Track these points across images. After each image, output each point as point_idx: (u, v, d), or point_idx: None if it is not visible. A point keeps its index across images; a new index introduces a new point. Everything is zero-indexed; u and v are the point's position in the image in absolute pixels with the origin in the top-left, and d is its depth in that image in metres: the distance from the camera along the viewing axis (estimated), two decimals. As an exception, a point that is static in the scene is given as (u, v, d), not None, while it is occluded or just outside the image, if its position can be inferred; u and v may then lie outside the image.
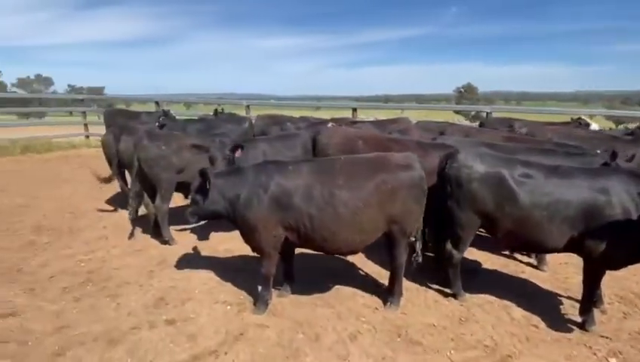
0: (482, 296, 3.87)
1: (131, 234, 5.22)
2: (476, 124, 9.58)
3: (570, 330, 3.38)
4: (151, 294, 3.84)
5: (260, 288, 3.58)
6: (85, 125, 13.29)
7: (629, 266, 3.27)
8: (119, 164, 5.79)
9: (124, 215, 5.86)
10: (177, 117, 9.06)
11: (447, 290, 3.90)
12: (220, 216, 3.54)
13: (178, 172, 4.97)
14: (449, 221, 3.64)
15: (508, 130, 6.41)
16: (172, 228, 5.19)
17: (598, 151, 4.29)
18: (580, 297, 3.49)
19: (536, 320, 3.52)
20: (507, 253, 4.84)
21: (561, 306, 3.75)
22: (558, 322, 3.48)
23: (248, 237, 3.47)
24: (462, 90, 52.24)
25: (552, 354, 3.09)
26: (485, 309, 3.68)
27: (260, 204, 3.31)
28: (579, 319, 3.44)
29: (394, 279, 3.67)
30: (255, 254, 3.60)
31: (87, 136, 13.13)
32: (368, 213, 3.32)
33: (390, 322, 3.46)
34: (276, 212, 3.32)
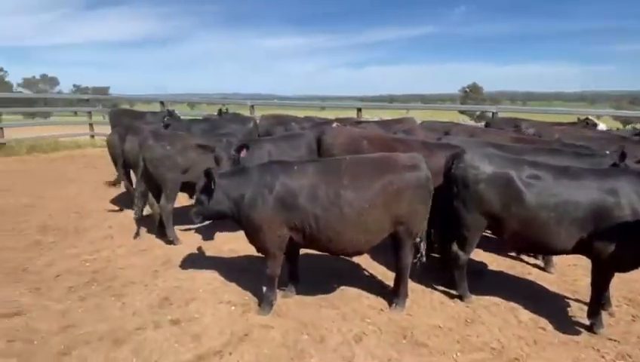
0: (488, 297, 3.83)
1: (137, 234, 5.23)
2: (481, 124, 9.52)
3: (577, 333, 3.34)
4: (155, 294, 3.84)
5: (264, 288, 3.57)
6: (90, 125, 13.36)
7: (638, 268, 3.23)
8: (124, 164, 5.82)
9: (129, 215, 5.88)
10: (182, 117, 9.08)
11: (453, 292, 3.87)
12: (225, 216, 3.53)
13: (183, 172, 4.98)
14: (455, 222, 3.61)
15: (514, 130, 6.35)
16: (177, 227, 5.20)
17: (607, 152, 4.24)
18: (587, 299, 3.46)
19: (543, 322, 3.48)
20: (513, 254, 4.80)
21: (568, 309, 3.71)
22: (565, 325, 3.44)
23: (253, 237, 3.46)
24: (467, 89, 52.04)
25: (559, 357, 3.05)
26: (492, 311, 3.64)
27: (264, 204, 3.30)
28: (587, 322, 3.40)
29: (399, 280, 3.64)
30: (260, 254, 3.59)
31: (93, 136, 13.20)
32: (374, 214, 3.30)
33: (395, 323, 3.43)
34: (281, 212, 3.31)
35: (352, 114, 11.24)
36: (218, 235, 5.34)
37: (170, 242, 5.06)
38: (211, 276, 4.19)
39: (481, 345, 3.18)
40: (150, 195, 5.19)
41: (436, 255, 4.38)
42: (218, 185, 3.38)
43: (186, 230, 5.45)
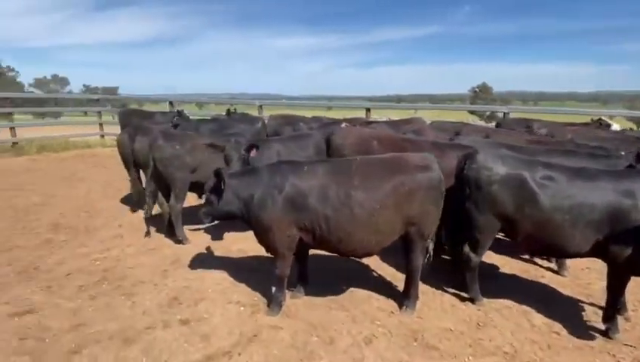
0: (500, 300, 3.77)
1: (147, 233, 5.25)
2: (492, 124, 9.42)
3: (592, 338, 3.27)
4: (165, 293, 3.84)
5: (273, 289, 3.55)
6: (100, 125, 13.50)
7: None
8: (134, 164, 5.85)
9: (139, 214, 5.92)
10: (190, 117, 9.12)
11: (465, 294, 3.81)
12: (234, 217, 3.52)
13: (192, 171, 4.99)
14: (467, 223, 3.55)
15: (526, 130, 6.27)
16: (186, 227, 5.21)
17: (623, 153, 4.15)
18: (602, 303, 3.39)
19: (557, 326, 3.41)
20: (526, 256, 4.73)
21: (583, 313, 3.64)
22: (580, 329, 3.37)
23: (262, 237, 3.44)
24: (477, 89, 51.67)
25: (574, 362, 3.00)
26: (504, 314, 3.59)
27: (274, 205, 3.28)
28: (602, 326, 3.33)
29: (410, 282, 3.60)
30: (269, 255, 3.58)
31: (102, 136, 13.33)
32: (385, 215, 3.26)
33: (406, 326, 3.39)
34: (291, 213, 3.29)
35: (360, 114, 11.19)
36: (227, 235, 5.34)
37: (179, 242, 5.07)
38: (220, 276, 4.18)
39: (494, 349, 3.13)
40: (160, 195, 5.21)
41: (447, 257, 4.33)
42: (228, 186, 3.37)
43: (195, 230, 5.46)
